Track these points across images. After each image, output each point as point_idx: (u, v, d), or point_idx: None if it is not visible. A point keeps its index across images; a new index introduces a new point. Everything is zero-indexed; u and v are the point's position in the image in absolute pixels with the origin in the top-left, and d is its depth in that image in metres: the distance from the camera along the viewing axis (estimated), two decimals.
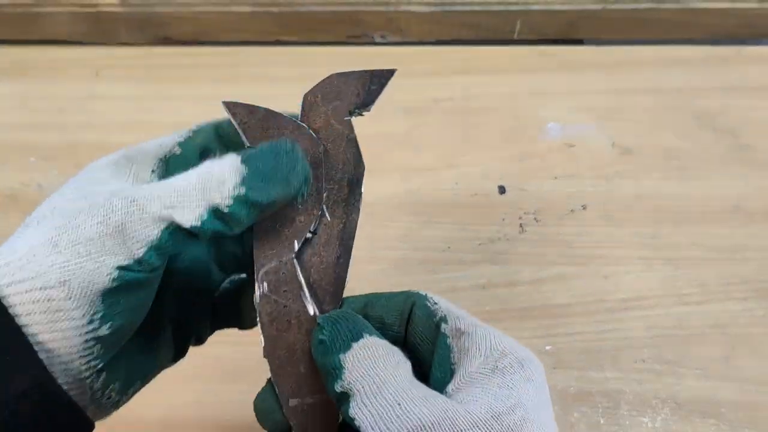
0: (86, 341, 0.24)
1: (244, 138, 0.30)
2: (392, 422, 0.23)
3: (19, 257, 0.24)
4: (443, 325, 0.27)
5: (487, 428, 0.23)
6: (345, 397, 0.25)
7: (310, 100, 0.31)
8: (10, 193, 0.61)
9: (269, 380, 0.29)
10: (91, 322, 0.24)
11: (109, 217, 0.25)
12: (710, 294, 0.52)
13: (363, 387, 0.24)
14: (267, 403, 0.29)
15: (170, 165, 0.30)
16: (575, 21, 0.72)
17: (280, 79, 0.69)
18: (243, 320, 0.33)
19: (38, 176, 0.62)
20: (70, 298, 0.24)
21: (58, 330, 0.24)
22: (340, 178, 0.30)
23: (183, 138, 0.30)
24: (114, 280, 0.24)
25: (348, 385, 0.24)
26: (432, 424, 0.23)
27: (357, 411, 0.24)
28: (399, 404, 0.23)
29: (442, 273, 0.54)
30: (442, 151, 0.62)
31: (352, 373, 0.24)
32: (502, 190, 0.59)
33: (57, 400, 0.24)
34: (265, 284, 0.28)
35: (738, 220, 0.56)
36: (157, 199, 0.25)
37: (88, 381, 0.25)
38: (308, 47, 0.73)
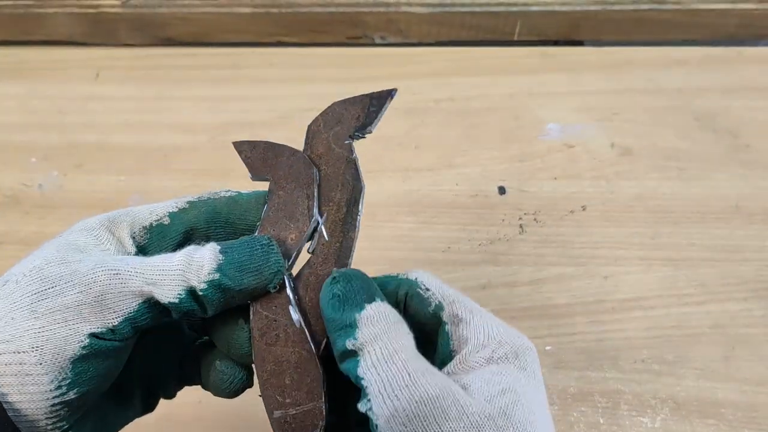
0: (53, 405, 0.25)
1: (248, 171, 0.32)
2: (401, 390, 0.24)
3: None
4: (441, 313, 0.28)
5: (482, 407, 0.24)
6: (353, 354, 0.26)
7: (313, 129, 0.33)
8: (11, 193, 0.61)
9: None
10: (59, 387, 0.25)
11: (91, 288, 0.26)
12: (710, 294, 0.52)
13: (375, 349, 0.25)
14: None
15: (153, 233, 0.30)
16: (575, 22, 0.72)
17: (281, 80, 0.70)
18: (203, 381, 0.33)
19: (39, 177, 0.62)
20: (40, 364, 0.25)
21: (27, 393, 0.25)
22: (338, 199, 0.31)
23: (176, 209, 0.31)
24: (84, 347, 0.26)
25: (360, 344, 0.25)
26: (437, 397, 0.24)
27: (367, 372, 0.25)
28: (408, 374, 0.24)
29: (442, 273, 0.54)
30: (442, 151, 0.62)
31: (365, 333, 0.25)
32: (502, 190, 0.59)
33: None
34: (258, 303, 0.29)
35: (738, 220, 0.56)
36: (139, 274, 0.27)
37: None
38: (308, 48, 0.73)
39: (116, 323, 0.26)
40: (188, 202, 0.31)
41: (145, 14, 0.72)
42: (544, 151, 0.62)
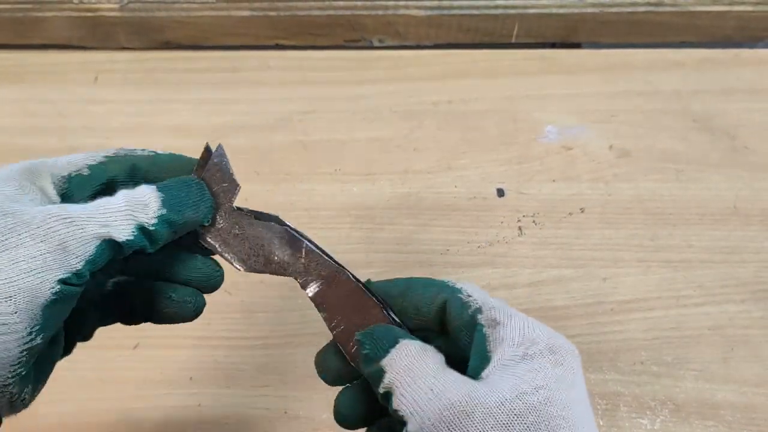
0: (21, 352, 0.26)
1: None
2: (426, 405, 0.26)
3: None
4: (479, 316, 0.29)
5: (511, 406, 0.25)
6: (389, 396, 0.28)
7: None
8: None
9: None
10: (30, 334, 0.26)
11: (51, 237, 0.27)
12: (708, 296, 0.52)
13: (401, 383, 0.27)
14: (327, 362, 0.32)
15: (72, 183, 0.32)
16: (573, 24, 0.72)
17: (279, 83, 0.70)
18: (156, 316, 0.34)
19: None
20: (16, 312, 0.25)
21: (2, 342, 0.25)
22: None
23: (95, 162, 0.32)
24: (55, 293, 0.26)
25: (389, 384, 0.28)
26: (460, 403, 0.26)
27: (398, 403, 0.27)
28: (431, 389, 0.27)
29: (440, 276, 0.53)
30: (440, 154, 0.62)
31: (390, 373, 0.28)
32: (500, 193, 0.59)
33: None
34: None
35: (735, 222, 0.57)
36: (92, 219, 0.28)
37: (10, 387, 0.27)
38: (307, 51, 0.73)
39: (79, 267, 0.27)
40: (105, 157, 0.33)
41: (143, 18, 0.72)
42: (543, 153, 0.62)
